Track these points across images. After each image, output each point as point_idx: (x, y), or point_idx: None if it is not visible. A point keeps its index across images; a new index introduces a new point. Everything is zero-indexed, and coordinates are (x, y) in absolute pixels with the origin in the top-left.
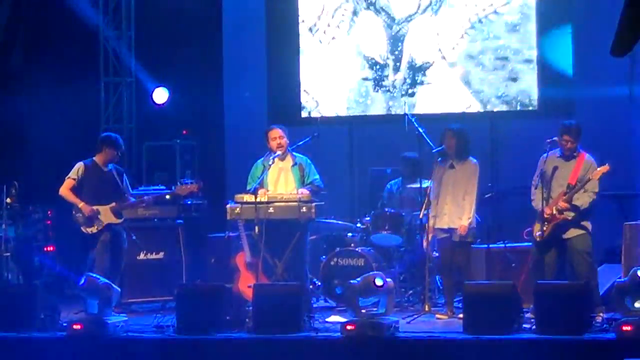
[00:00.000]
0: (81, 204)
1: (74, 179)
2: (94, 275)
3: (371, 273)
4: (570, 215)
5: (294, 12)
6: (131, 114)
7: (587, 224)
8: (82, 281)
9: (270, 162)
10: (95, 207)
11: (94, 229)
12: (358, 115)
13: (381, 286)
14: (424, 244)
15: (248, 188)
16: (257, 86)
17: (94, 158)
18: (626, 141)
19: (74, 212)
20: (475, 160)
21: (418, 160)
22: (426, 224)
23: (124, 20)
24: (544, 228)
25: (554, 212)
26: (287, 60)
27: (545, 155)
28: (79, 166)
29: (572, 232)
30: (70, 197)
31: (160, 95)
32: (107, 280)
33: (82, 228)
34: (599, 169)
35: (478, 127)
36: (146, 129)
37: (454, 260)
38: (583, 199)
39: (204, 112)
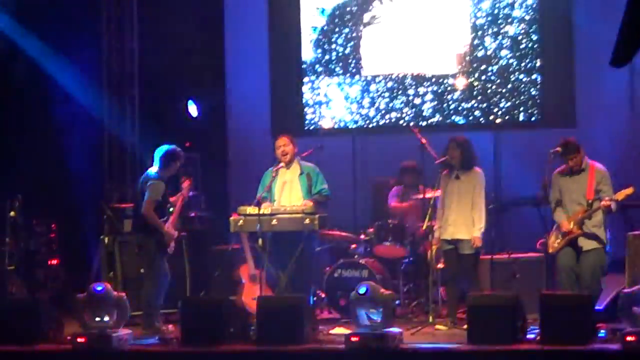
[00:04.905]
0: (165, 228)
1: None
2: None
3: (360, 284)
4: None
5: (297, 22)
6: (134, 125)
7: (604, 237)
8: (100, 288)
9: (275, 172)
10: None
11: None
12: (361, 126)
13: (364, 294)
14: (428, 255)
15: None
16: (260, 98)
17: (159, 173)
18: (628, 151)
19: (166, 240)
20: (479, 169)
21: (417, 168)
22: (430, 235)
23: (127, 33)
24: (558, 240)
25: (573, 227)
26: (290, 71)
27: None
28: (163, 187)
29: (589, 245)
30: (157, 219)
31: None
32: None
33: (168, 249)
34: (623, 191)
35: (481, 137)
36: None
37: (461, 272)
38: (599, 216)
39: (207, 124)
